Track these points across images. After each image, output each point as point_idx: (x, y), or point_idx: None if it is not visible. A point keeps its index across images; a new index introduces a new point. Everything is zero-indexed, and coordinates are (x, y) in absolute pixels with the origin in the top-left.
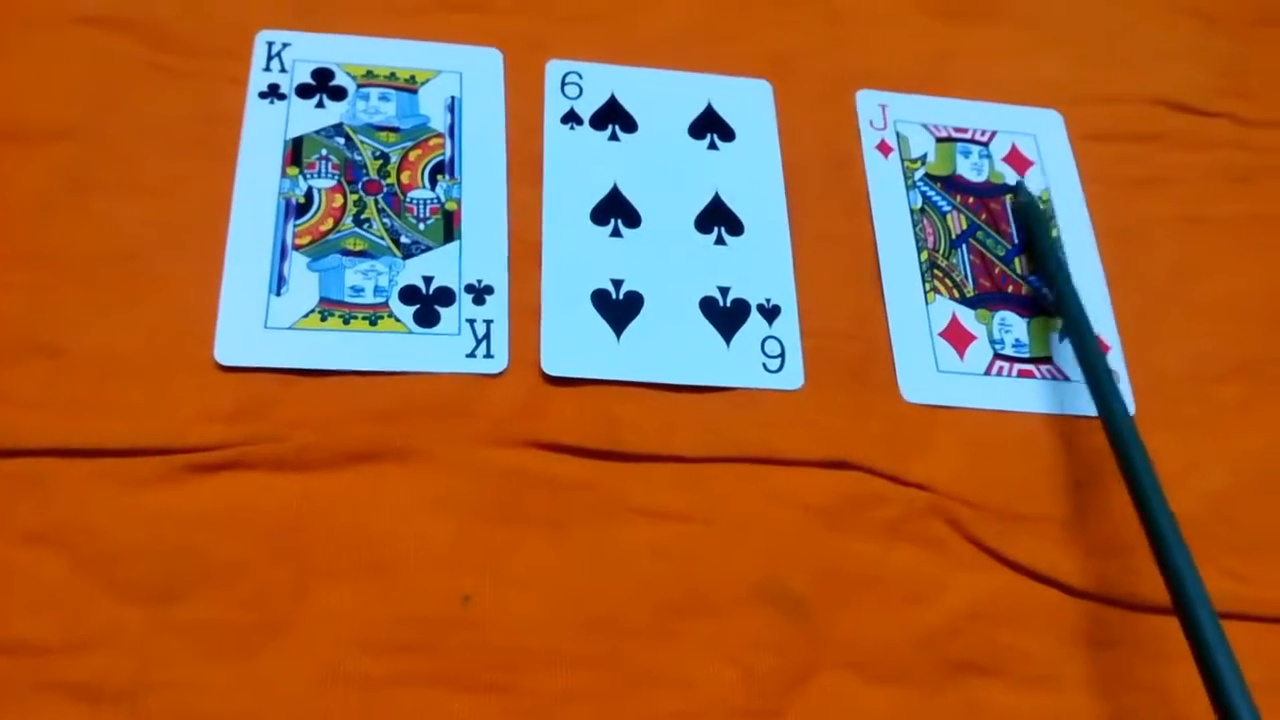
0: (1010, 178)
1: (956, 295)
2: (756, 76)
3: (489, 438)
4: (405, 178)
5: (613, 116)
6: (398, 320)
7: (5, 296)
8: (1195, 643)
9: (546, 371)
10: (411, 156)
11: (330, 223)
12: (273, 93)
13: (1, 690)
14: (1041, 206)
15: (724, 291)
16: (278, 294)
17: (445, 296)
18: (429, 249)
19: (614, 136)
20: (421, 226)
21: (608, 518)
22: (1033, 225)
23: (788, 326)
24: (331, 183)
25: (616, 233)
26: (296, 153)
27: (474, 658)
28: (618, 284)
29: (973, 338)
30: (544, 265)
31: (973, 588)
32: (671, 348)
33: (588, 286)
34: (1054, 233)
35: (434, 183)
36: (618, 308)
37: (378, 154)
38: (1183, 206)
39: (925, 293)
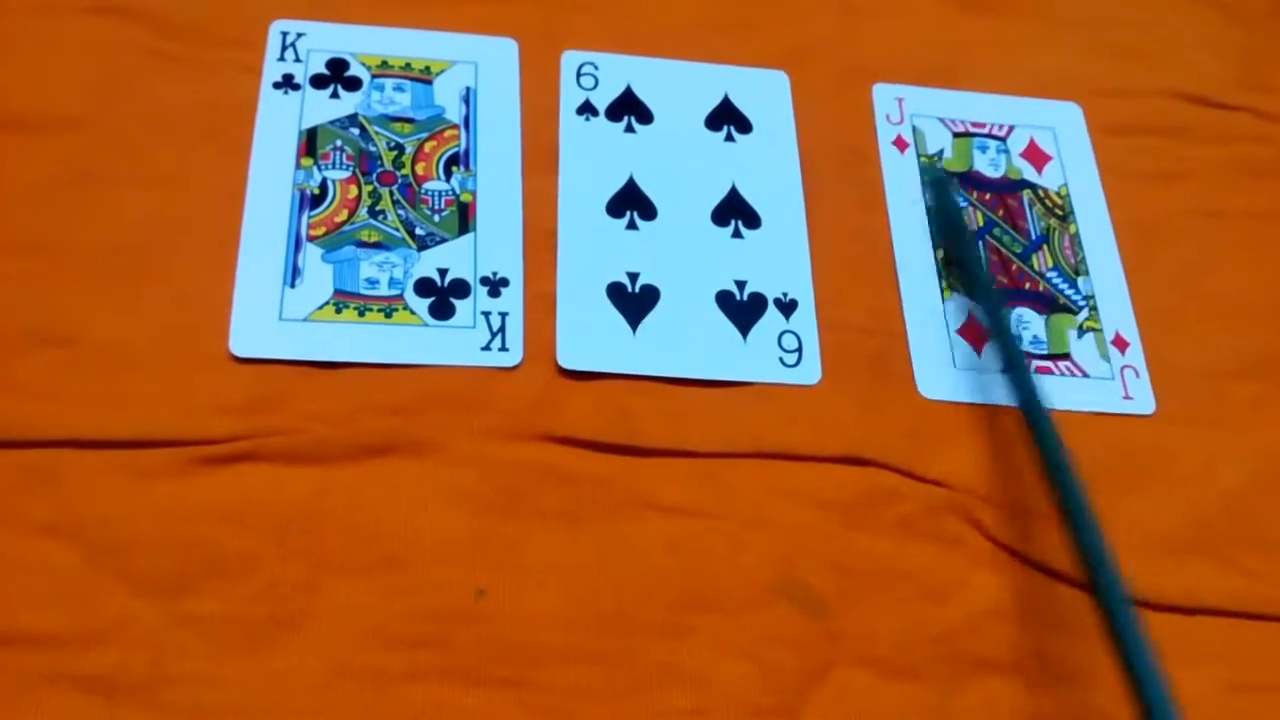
0: (1028, 173)
1: None
2: (773, 68)
3: (504, 431)
4: (420, 169)
5: (629, 108)
6: (413, 313)
7: (15, 287)
8: (1115, 635)
9: (562, 365)
10: (426, 147)
11: (345, 214)
12: (287, 83)
13: (14, 682)
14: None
15: (741, 285)
16: (292, 286)
17: (460, 289)
18: (444, 241)
19: (630, 128)
20: (436, 218)
21: (622, 512)
22: (952, 221)
23: (805, 321)
24: (346, 174)
25: (633, 225)
26: (311, 143)
27: (487, 652)
28: (634, 277)
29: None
30: (559, 258)
31: (991, 585)
32: (688, 341)
33: (603, 279)
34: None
35: (449, 174)
36: (634, 301)
37: (393, 145)
38: (1202, 201)
39: (942, 289)
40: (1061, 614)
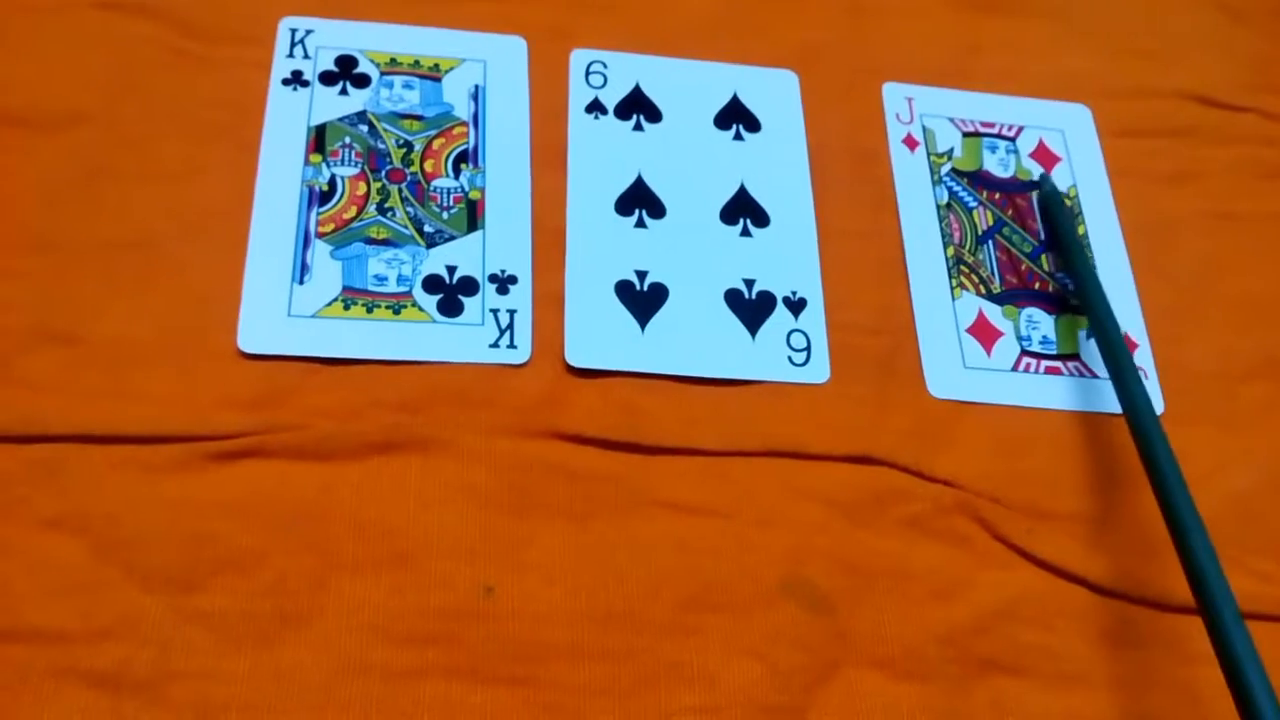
0: (1037, 173)
1: (983, 291)
2: (782, 67)
3: (512, 428)
4: (429, 166)
5: (637, 106)
6: (421, 310)
7: (24, 283)
8: (1221, 648)
9: (570, 362)
10: (435, 145)
11: (353, 211)
12: (296, 80)
13: (22, 678)
14: (1067, 202)
15: (749, 284)
16: (300, 282)
17: (469, 286)
18: (453, 238)
19: (638, 126)
20: (445, 215)
21: (630, 510)
22: (1058, 220)
23: (814, 320)
24: (355, 171)
25: (641, 223)
26: (320, 140)
27: (494, 649)
28: (642, 275)
29: (1000, 334)
30: (568, 256)
31: (999, 585)
32: (696, 340)
33: (612, 277)
34: (1079, 229)
35: (458, 171)
36: (642, 299)
37: (401, 142)
38: (1211, 202)
39: (952, 288)
40: (1070, 615)
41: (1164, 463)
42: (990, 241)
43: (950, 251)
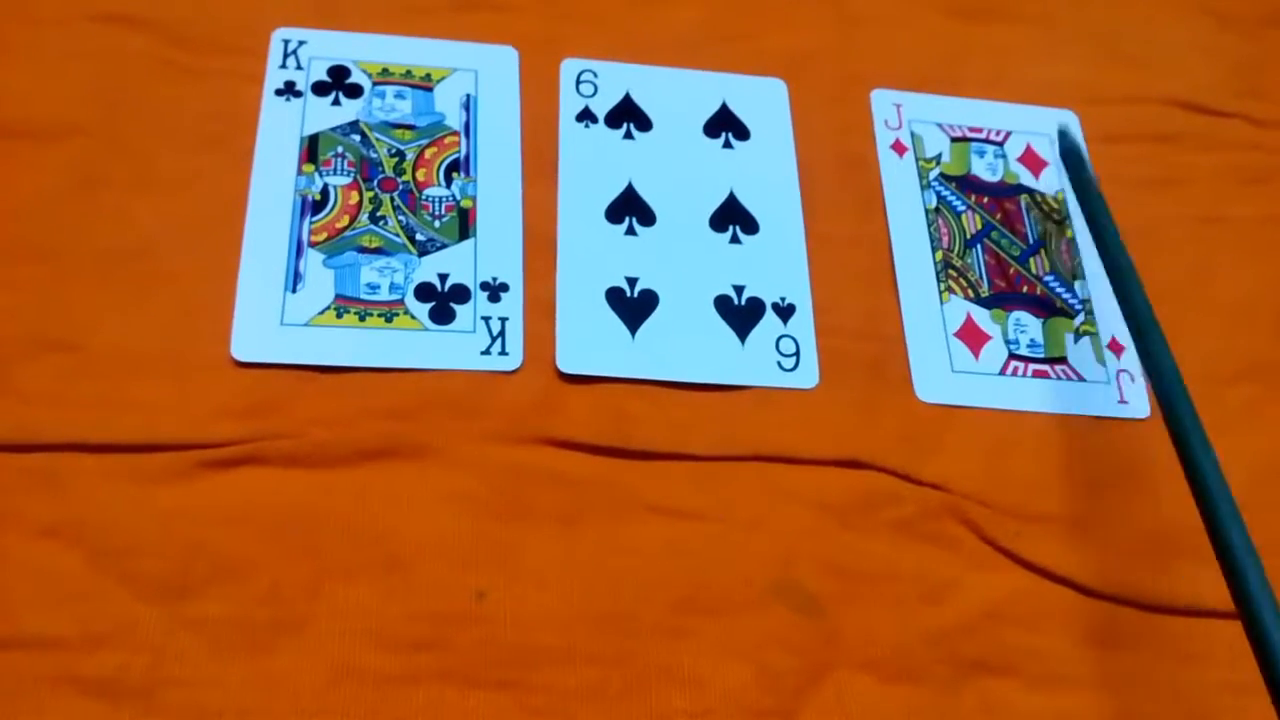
0: (1025, 178)
1: (971, 295)
2: (771, 76)
3: (503, 435)
4: (421, 175)
5: (628, 115)
6: (413, 317)
7: (20, 292)
8: (1258, 642)
9: (561, 369)
10: (427, 154)
11: (346, 220)
12: (289, 90)
13: (18, 685)
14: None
15: (739, 290)
16: (293, 291)
17: (461, 294)
18: (444, 246)
19: (629, 135)
20: (437, 224)
21: (621, 515)
22: (1077, 179)
23: (802, 325)
24: (347, 180)
25: (631, 231)
26: (312, 150)
27: (487, 654)
28: (632, 282)
29: (987, 338)
30: (559, 263)
31: (987, 587)
32: (686, 346)
33: (603, 284)
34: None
35: (449, 180)
36: (632, 306)
37: (393, 151)
38: (1197, 207)
39: (940, 292)
40: (1058, 616)
41: (1198, 449)
42: (978, 245)
43: (938, 256)
